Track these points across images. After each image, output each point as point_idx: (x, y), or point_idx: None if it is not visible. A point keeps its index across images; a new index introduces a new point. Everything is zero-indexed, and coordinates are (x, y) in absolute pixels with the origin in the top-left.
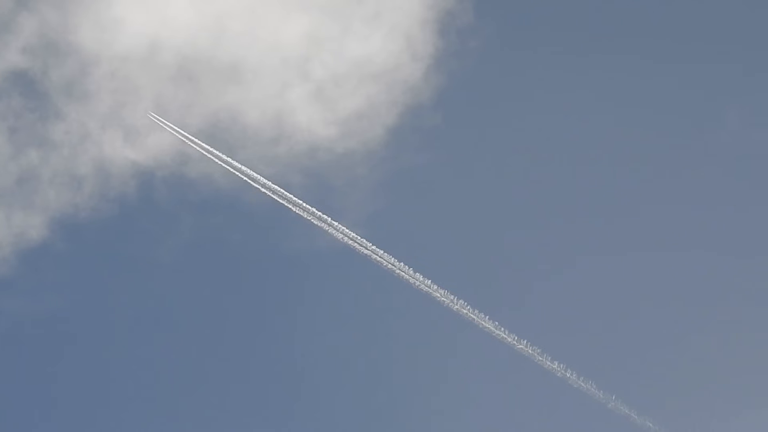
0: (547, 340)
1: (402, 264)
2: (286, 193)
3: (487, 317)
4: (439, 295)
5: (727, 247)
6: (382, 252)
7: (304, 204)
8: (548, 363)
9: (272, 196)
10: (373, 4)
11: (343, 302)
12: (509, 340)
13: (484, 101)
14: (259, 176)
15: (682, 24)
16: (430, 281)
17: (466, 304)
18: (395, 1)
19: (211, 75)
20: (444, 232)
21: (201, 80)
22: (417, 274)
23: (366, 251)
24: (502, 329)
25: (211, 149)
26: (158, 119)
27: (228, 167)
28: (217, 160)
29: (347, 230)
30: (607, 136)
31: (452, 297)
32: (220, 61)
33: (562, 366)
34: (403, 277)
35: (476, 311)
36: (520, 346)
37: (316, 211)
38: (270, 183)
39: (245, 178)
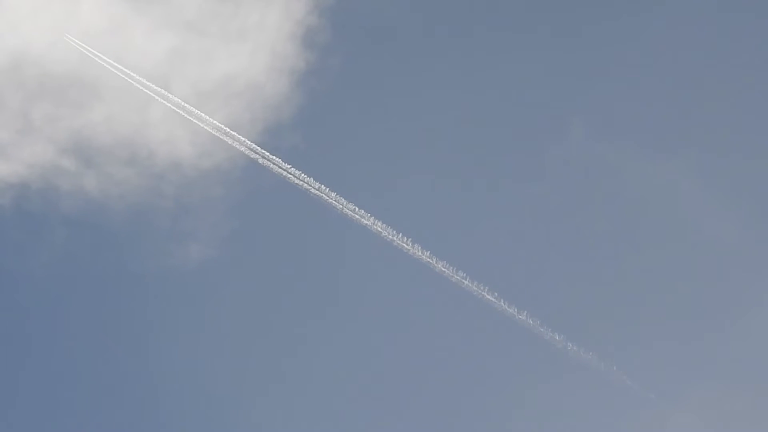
0: None
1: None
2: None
3: None
4: None
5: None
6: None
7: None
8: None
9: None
10: (239, 21)
11: (200, 320)
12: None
13: (344, 119)
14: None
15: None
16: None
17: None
18: (260, 19)
19: (74, 91)
20: (299, 255)
21: (64, 97)
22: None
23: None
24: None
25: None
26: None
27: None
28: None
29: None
30: (461, 146)
31: None
32: (84, 77)
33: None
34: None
35: None
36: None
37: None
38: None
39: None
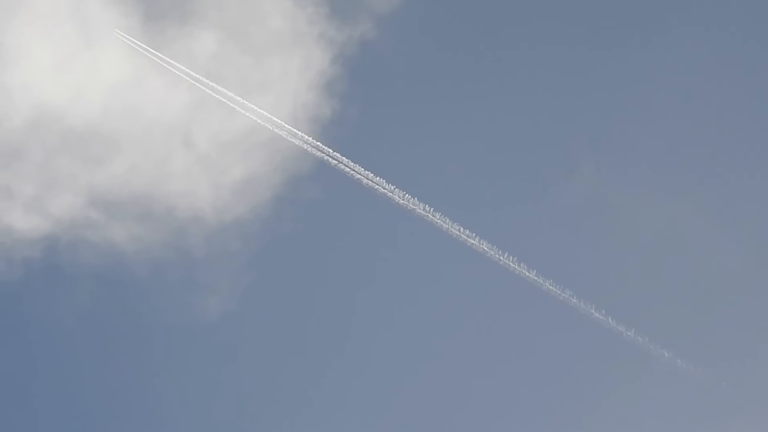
0: None
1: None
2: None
3: None
4: None
5: None
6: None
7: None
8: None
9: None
10: (262, 73)
11: (219, 373)
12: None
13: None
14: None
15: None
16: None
17: None
18: (281, 70)
19: (95, 145)
20: (317, 308)
21: (85, 150)
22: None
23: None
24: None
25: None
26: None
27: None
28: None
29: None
30: (472, 189)
31: None
32: (104, 131)
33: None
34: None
35: None
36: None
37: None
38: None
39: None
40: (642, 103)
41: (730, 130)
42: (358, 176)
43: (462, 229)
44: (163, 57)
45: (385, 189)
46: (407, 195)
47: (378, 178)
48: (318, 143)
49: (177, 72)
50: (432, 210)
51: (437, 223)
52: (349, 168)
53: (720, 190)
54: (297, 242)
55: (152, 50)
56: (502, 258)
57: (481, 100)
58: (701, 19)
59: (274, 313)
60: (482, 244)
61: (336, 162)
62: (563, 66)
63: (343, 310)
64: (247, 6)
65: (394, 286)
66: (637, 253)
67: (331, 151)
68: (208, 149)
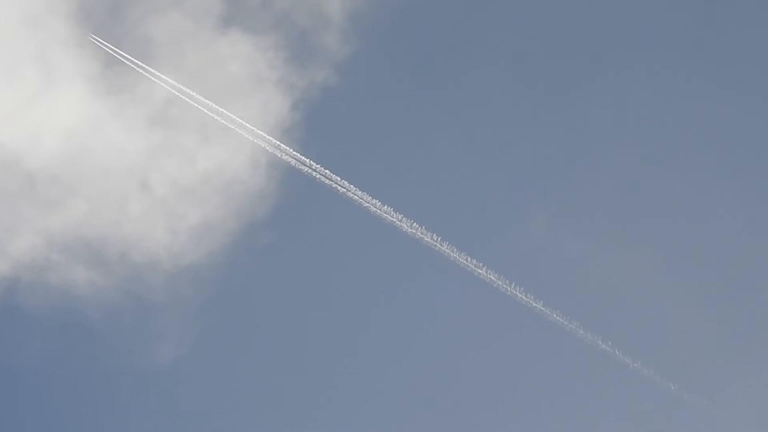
0: None
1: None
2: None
3: None
4: None
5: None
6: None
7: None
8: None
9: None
10: (221, 118)
11: (171, 418)
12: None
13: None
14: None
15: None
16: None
17: None
18: (241, 116)
19: (54, 188)
20: (268, 355)
21: (44, 193)
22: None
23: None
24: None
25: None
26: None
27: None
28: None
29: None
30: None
31: None
32: (61, 174)
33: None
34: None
35: None
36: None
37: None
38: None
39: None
40: (597, 150)
41: (681, 180)
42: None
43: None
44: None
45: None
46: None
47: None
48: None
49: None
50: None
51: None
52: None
53: (671, 239)
54: (251, 289)
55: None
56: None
57: (436, 148)
58: (654, 69)
59: (225, 360)
60: None
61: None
62: (516, 113)
63: (293, 358)
64: (206, 51)
65: (346, 333)
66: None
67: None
68: (165, 194)
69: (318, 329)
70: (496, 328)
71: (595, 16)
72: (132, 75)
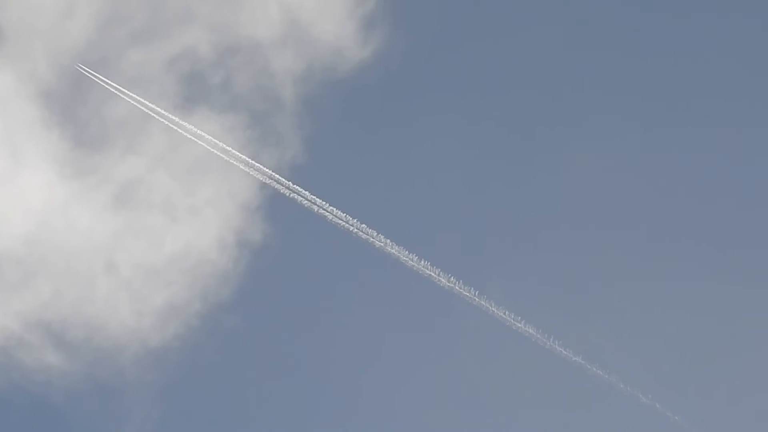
0: None
1: None
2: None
3: None
4: None
5: None
6: None
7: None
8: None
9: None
10: (189, 198)
11: None
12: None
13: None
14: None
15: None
16: None
17: None
18: (209, 196)
19: (19, 270)
20: None
21: (9, 274)
22: None
23: None
24: None
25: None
26: None
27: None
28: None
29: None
30: (387, 315)
31: None
32: (29, 256)
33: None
34: None
35: None
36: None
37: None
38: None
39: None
40: (549, 221)
41: (633, 255)
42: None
43: None
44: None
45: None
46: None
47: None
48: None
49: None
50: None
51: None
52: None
53: (619, 312)
54: (214, 372)
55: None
56: None
57: (398, 229)
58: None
59: None
60: None
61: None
62: (469, 184)
63: None
64: (173, 132)
65: (311, 416)
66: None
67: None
68: (131, 276)
69: (282, 412)
70: None
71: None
72: (98, 157)
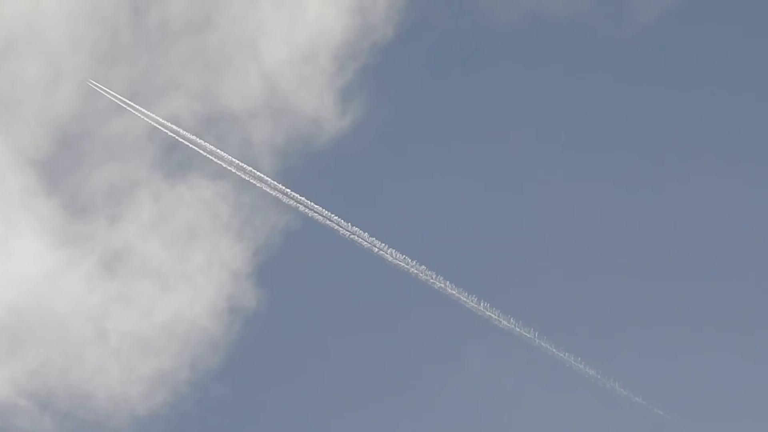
0: None
1: None
2: None
3: None
4: None
5: None
6: None
7: None
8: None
9: None
10: (182, 264)
11: None
12: None
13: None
14: None
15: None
16: None
17: None
18: (202, 263)
19: (8, 338)
20: None
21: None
22: None
23: None
24: None
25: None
26: None
27: None
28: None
29: None
30: (363, 383)
31: None
32: (20, 323)
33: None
34: None
35: None
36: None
37: None
38: None
39: None
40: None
41: (609, 322)
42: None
43: None
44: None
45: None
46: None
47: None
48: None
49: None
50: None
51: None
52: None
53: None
54: None
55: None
56: None
57: (376, 314)
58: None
59: None
60: None
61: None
62: (450, 255)
63: None
64: (168, 197)
65: None
66: None
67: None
68: (120, 344)
69: None
70: None
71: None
72: (87, 224)
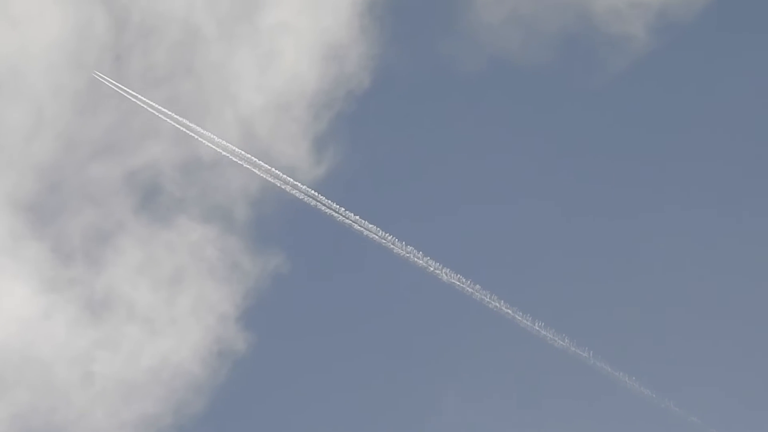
0: None
1: None
2: None
3: None
4: None
5: None
6: None
7: None
8: None
9: None
10: (171, 306)
11: None
12: None
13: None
14: None
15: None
16: None
17: None
18: (192, 304)
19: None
20: None
21: None
22: None
23: None
24: None
25: None
26: None
27: None
28: None
29: None
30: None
31: None
32: (5, 367)
33: None
34: None
35: None
36: None
37: None
38: None
39: None
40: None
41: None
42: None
43: None
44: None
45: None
46: None
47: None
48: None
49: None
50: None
51: None
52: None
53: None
54: None
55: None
56: None
57: (355, 343)
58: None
59: None
60: None
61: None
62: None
63: None
64: (154, 240)
65: None
66: None
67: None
68: (106, 388)
69: None
70: None
71: None
72: (77, 269)
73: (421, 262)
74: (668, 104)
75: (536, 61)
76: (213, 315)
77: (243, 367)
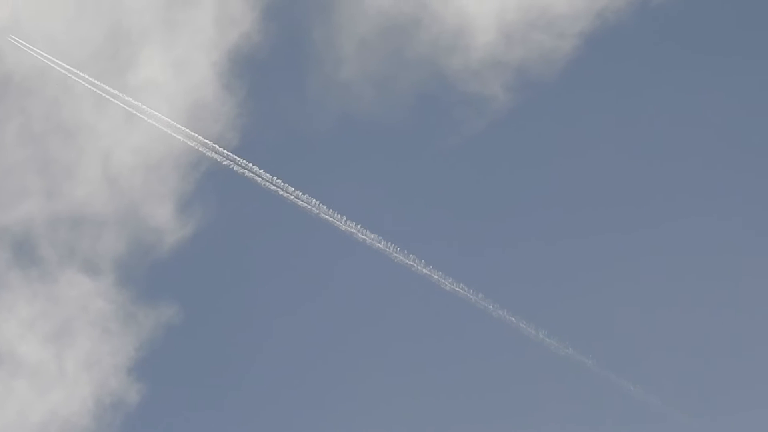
0: None
1: None
2: None
3: None
4: None
5: None
6: None
7: None
8: None
9: None
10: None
11: None
12: None
13: None
14: None
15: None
16: None
17: None
18: (84, 357)
19: None
20: None
21: None
22: None
23: None
24: None
25: None
26: None
27: None
28: None
29: None
30: None
31: None
32: None
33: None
34: None
35: None
36: None
37: None
38: None
39: None
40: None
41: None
42: None
43: None
44: None
45: None
46: None
47: None
48: None
49: None
50: None
51: None
52: None
53: None
54: None
55: None
56: None
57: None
58: None
59: None
60: None
61: None
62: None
63: None
64: (48, 290)
65: None
66: None
67: None
68: None
69: None
70: None
71: None
72: None
73: None
74: (525, 162)
75: (385, 119)
76: (105, 367)
77: (136, 418)
